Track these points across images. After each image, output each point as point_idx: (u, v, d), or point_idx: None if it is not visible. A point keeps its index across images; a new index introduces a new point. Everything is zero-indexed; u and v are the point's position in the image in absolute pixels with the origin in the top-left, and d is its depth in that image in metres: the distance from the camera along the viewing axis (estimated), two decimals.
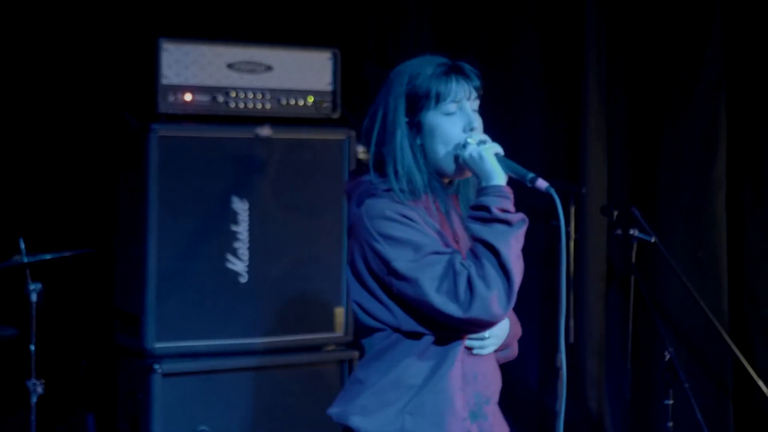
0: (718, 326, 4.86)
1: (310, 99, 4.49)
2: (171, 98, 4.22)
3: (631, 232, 4.70)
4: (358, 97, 4.97)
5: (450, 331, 2.61)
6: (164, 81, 4.21)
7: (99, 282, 4.62)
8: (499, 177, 2.60)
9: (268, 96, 4.40)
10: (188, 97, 4.25)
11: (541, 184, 2.58)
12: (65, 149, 4.71)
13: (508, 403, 5.18)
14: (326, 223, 4.45)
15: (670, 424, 4.52)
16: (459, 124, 2.65)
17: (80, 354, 4.70)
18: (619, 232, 4.77)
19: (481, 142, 2.62)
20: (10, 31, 4.62)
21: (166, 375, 4.12)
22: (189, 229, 4.21)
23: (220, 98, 4.31)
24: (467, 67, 2.71)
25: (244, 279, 4.29)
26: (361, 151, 4.61)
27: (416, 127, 2.65)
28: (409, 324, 2.62)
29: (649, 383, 4.99)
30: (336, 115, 4.56)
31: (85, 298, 4.71)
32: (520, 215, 2.59)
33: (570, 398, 5.15)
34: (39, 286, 4.13)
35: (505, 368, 5.39)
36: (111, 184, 4.50)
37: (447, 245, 2.62)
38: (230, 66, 4.33)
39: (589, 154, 5.12)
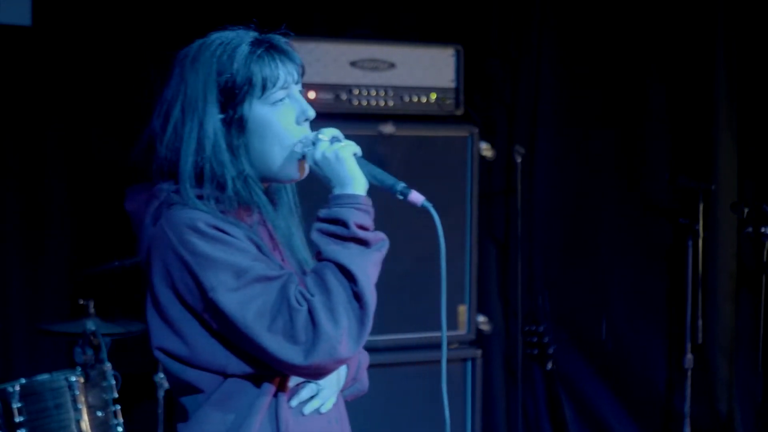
0: None
1: (433, 96, 4.49)
2: None
3: (763, 230, 4.58)
4: (481, 94, 4.95)
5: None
6: None
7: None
8: (358, 185, 2.06)
9: (391, 93, 4.41)
10: (312, 95, 4.28)
11: (416, 198, 2.10)
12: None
13: (633, 403, 5.13)
14: (450, 219, 4.43)
15: None
16: (291, 115, 2.08)
17: None
18: (749, 229, 4.65)
19: (335, 140, 2.08)
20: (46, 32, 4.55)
21: None
22: None
23: (344, 96, 4.33)
24: (283, 40, 2.11)
25: None
26: (485, 148, 4.58)
27: (236, 124, 2.05)
28: (237, 365, 2.02)
29: None
30: (459, 112, 4.55)
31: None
32: (381, 235, 2.08)
33: (698, 400, 5.05)
34: None
35: (632, 368, 5.29)
36: None
37: (277, 267, 2.03)
38: (353, 64, 4.35)
39: (720, 149, 5.00)
